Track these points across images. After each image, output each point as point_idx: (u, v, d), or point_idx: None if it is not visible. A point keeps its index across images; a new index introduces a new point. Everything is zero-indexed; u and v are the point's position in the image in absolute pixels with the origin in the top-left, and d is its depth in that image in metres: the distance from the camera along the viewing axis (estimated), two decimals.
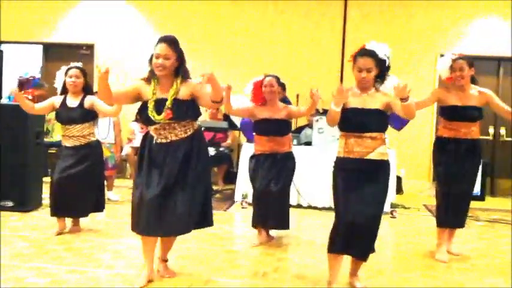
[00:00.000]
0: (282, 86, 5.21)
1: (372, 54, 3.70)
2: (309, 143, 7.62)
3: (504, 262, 4.97)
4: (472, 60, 4.86)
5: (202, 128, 7.68)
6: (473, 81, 4.90)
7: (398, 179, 8.62)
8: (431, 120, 9.19)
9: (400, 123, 7.40)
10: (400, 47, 9.24)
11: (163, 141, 3.81)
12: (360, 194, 3.64)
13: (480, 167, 7.91)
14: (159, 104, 3.76)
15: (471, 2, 9.14)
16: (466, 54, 4.99)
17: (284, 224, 5.28)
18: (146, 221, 3.71)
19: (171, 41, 3.75)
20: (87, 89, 5.31)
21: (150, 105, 3.78)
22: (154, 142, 3.84)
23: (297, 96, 9.26)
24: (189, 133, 3.83)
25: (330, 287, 3.81)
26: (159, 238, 3.96)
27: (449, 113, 4.88)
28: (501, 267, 4.80)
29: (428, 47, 9.22)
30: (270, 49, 9.61)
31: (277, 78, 5.23)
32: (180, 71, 3.80)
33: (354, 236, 3.65)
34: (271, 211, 5.15)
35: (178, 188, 3.73)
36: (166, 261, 4.14)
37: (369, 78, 3.70)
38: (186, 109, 3.78)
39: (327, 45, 9.43)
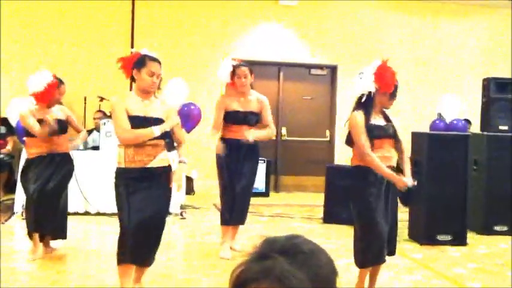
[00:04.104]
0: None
1: (159, 61, 3.73)
2: (96, 147, 7.37)
3: None
4: (251, 67, 5.11)
5: None
6: (251, 86, 5.16)
7: (190, 180, 8.76)
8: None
9: (190, 125, 7.55)
10: (189, 50, 9.40)
11: None
12: (143, 202, 3.62)
13: (265, 165, 8.47)
14: None
15: (254, 8, 9.61)
16: (247, 60, 5.24)
17: (59, 232, 4.99)
18: None
19: None
20: None
21: None
22: None
23: (85, 98, 8.91)
24: None
25: None
26: None
27: (231, 118, 5.08)
28: None
29: (216, 51, 9.47)
30: (56, 50, 9.08)
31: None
32: None
33: (134, 245, 3.61)
34: (48, 216, 4.85)
35: None
36: None
37: (157, 84, 3.70)
38: None
39: (116, 47, 9.19)
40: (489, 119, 6.72)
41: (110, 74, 9.11)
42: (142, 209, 3.62)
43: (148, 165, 3.67)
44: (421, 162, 5.88)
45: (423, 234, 5.91)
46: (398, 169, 3.95)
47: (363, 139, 3.78)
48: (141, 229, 3.60)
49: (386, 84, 3.84)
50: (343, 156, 9.19)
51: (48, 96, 4.83)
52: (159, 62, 3.72)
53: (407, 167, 3.98)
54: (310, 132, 9.84)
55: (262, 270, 1.04)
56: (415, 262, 5.19)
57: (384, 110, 4.00)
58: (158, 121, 3.69)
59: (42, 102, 4.87)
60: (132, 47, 9.12)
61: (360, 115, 3.82)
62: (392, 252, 4.06)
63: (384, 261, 3.98)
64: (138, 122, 3.65)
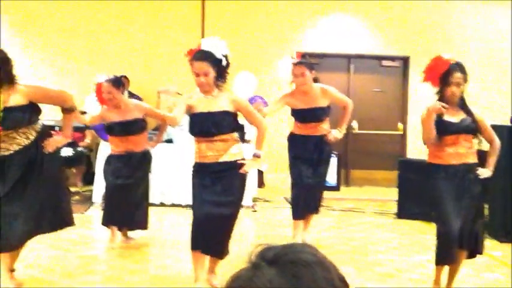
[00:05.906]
0: (122, 84, 5.11)
1: (206, 57, 3.67)
2: (170, 141, 7.55)
3: (354, 250, 5.27)
4: (311, 63, 5.02)
5: (57, 128, 7.39)
6: (315, 80, 5.08)
7: (260, 172, 8.81)
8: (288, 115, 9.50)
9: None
10: (258, 44, 9.43)
11: (6, 153, 3.61)
12: (213, 196, 3.72)
13: (335, 159, 8.39)
14: None
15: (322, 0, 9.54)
16: (316, 52, 5.19)
17: (138, 224, 5.15)
18: None
19: None
20: None
21: None
22: None
23: (158, 93, 9.12)
24: (31, 138, 3.67)
25: (195, 287, 3.81)
26: None
27: (298, 116, 5.10)
28: (351, 254, 5.08)
29: (285, 45, 9.46)
30: (130, 47, 9.35)
31: (114, 81, 4.98)
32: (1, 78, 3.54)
33: (205, 234, 3.71)
34: (124, 209, 5.00)
35: (17, 196, 3.55)
36: (13, 271, 3.88)
37: (208, 82, 3.69)
38: (22, 116, 3.58)
39: (186, 43, 9.36)
40: None
41: (183, 69, 9.29)
42: (212, 201, 3.72)
43: (220, 160, 3.75)
44: (500, 156, 5.64)
45: (502, 231, 5.69)
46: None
47: (427, 130, 3.75)
48: (208, 221, 3.70)
49: (429, 77, 3.80)
50: (416, 149, 8.99)
51: (99, 96, 5.00)
52: (205, 60, 3.64)
53: (490, 158, 3.94)
54: (381, 125, 9.66)
55: (247, 279, 1.02)
56: (495, 260, 5.01)
57: (464, 104, 3.86)
58: (222, 114, 3.73)
59: (101, 103, 5.06)
60: None
61: (426, 110, 3.75)
62: (476, 251, 3.92)
63: (451, 263, 3.84)
64: (200, 118, 3.74)
